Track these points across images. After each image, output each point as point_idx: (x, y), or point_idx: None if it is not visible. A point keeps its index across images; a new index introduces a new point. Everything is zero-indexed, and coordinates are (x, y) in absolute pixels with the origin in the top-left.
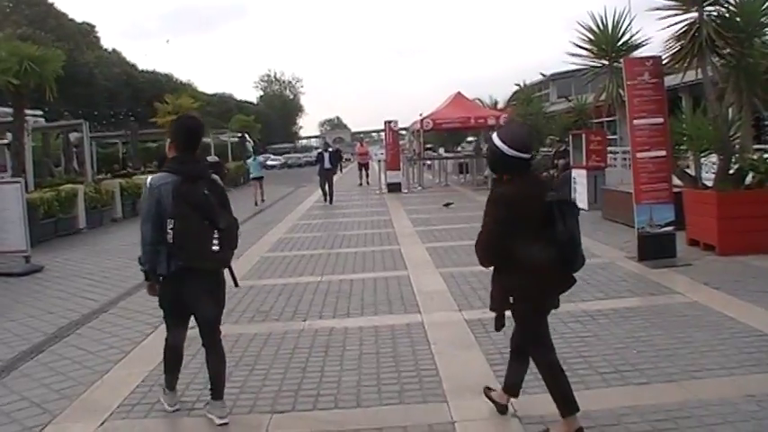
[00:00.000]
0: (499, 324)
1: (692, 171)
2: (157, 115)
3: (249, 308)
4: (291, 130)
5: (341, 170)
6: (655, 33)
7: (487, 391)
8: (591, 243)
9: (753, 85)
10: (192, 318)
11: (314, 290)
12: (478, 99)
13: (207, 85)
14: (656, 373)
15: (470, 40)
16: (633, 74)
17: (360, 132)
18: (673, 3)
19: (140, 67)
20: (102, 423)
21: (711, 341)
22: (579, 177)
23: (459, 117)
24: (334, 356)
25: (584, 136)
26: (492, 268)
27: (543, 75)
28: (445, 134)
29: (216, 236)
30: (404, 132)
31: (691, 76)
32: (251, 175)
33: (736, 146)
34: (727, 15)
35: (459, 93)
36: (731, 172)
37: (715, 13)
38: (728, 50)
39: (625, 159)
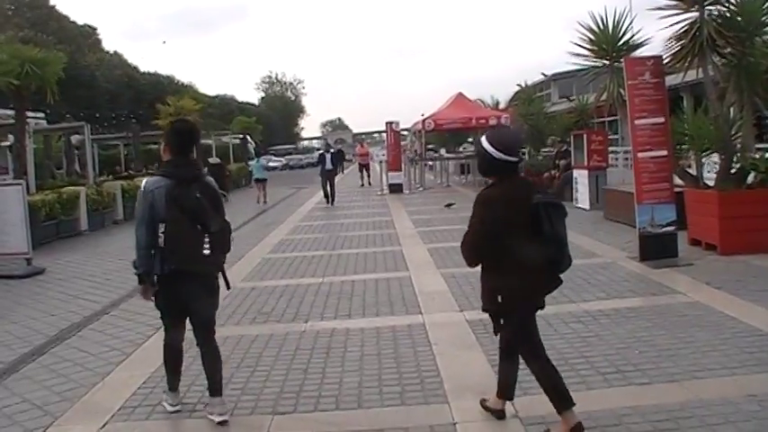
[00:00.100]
0: (498, 327)
1: (693, 171)
2: (159, 117)
3: (251, 309)
4: (293, 131)
5: (342, 171)
6: (655, 33)
7: (483, 402)
8: (592, 243)
9: (754, 84)
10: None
11: (315, 291)
12: (480, 99)
13: (209, 87)
14: (657, 373)
15: (471, 40)
16: (634, 73)
17: (361, 133)
18: (673, 2)
19: (142, 69)
20: (104, 425)
21: (713, 341)
22: (581, 177)
23: (460, 117)
24: (336, 358)
25: (585, 136)
26: (480, 268)
27: (544, 75)
28: (447, 135)
29: (207, 239)
30: (405, 133)
31: (692, 75)
32: (254, 177)
33: (738, 145)
34: (728, 14)
35: (460, 93)
36: (733, 171)
37: (716, 13)
38: (729, 50)
39: (627, 159)
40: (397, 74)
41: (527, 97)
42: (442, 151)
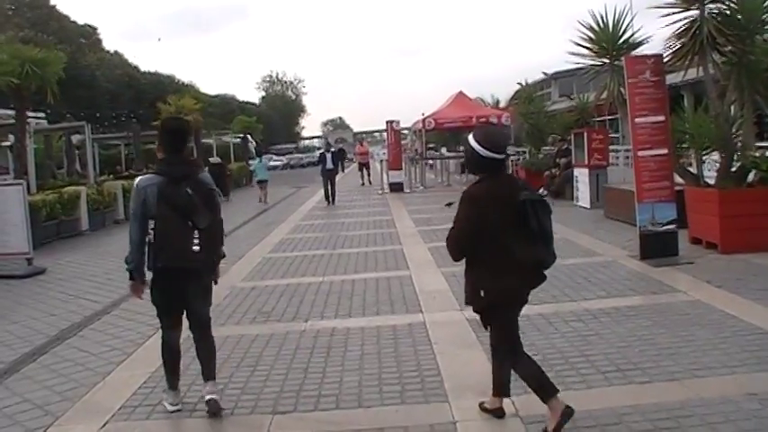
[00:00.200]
0: (485, 321)
1: (693, 169)
2: (160, 116)
3: (251, 309)
4: (294, 130)
5: (343, 170)
6: (656, 31)
7: (481, 404)
8: (593, 242)
9: (754, 82)
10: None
11: (316, 290)
12: (480, 98)
13: (209, 87)
14: (658, 372)
15: (472, 39)
16: (634, 72)
17: (362, 132)
18: (674, 0)
19: (142, 68)
20: (104, 425)
21: (713, 339)
22: (581, 176)
23: (461, 116)
24: (336, 357)
25: (586, 134)
26: (465, 263)
27: (545, 73)
28: (447, 134)
29: (196, 236)
30: (406, 132)
31: (692, 73)
32: (257, 179)
33: (738, 143)
34: (728, 13)
35: (460, 92)
36: (733, 170)
37: (716, 11)
38: (730, 48)
39: (627, 158)
40: (398, 73)
41: (527, 96)
42: (443, 150)
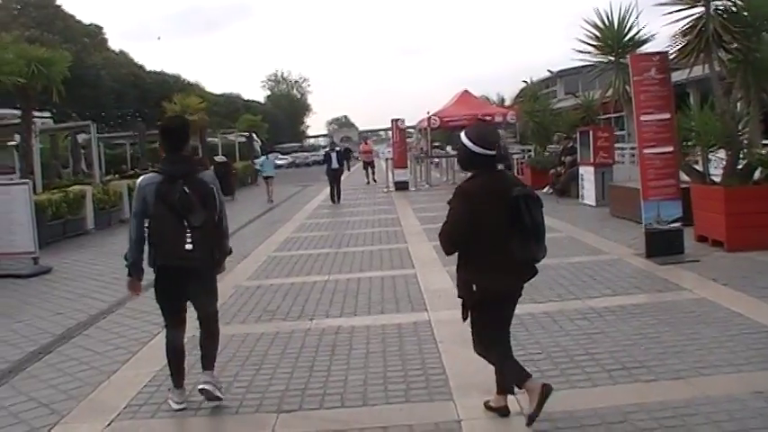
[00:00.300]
0: (465, 315)
1: (699, 167)
2: (165, 116)
3: (256, 307)
4: (299, 129)
5: (348, 169)
6: (661, 29)
7: (486, 403)
8: (598, 240)
9: (761, 79)
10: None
11: (321, 289)
12: (485, 96)
13: (214, 86)
14: (663, 370)
15: (476, 37)
16: (639, 70)
17: (367, 131)
18: None
19: (148, 68)
20: (109, 423)
21: (719, 338)
22: (587, 174)
23: (466, 114)
24: (341, 355)
25: (591, 132)
26: (457, 257)
27: (550, 71)
28: (452, 132)
29: (189, 234)
30: (411, 130)
31: (698, 71)
32: (263, 174)
33: (744, 141)
34: (734, 9)
35: (466, 90)
36: (739, 167)
37: (722, 8)
38: (736, 45)
39: (633, 156)
40: (402, 71)
41: (533, 94)
42: (448, 149)
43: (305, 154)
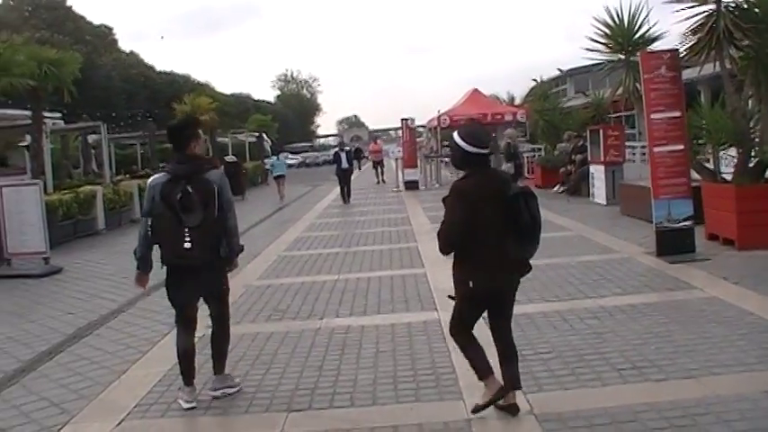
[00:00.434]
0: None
1: (710, 165)
2: (175, 116)
3: (266, 307)
4: (309, 128)
5: (359, 168)
6: (671, 26)
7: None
8: (609, 238)
9: None
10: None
11: (331, 288)
12: (495, 95)
13: (224, 86)
14: (674, 369)
15: (486, 35)
16: (650, 67)
17: (377, 130)
18: None
19: (158, 68)
20: (120, 423)
21: (730, 336)
22: (597, 172)
23: (475, 113)
24: (351, 355)
25: (601, 131)
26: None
27: (560, 70)
28: None
29: (187, 233)
30: (421, 130)
31: (709, 69)
32: (275, 173)
33: (756, 139)
34: (745, 6)
35: (475, 89)
36: (751, 165)
37: (733, 5)
38: (747, 42)
39: (644, 154)
40: (411, 70)
41: (542, 92)
42: None
43: (315, 154)
